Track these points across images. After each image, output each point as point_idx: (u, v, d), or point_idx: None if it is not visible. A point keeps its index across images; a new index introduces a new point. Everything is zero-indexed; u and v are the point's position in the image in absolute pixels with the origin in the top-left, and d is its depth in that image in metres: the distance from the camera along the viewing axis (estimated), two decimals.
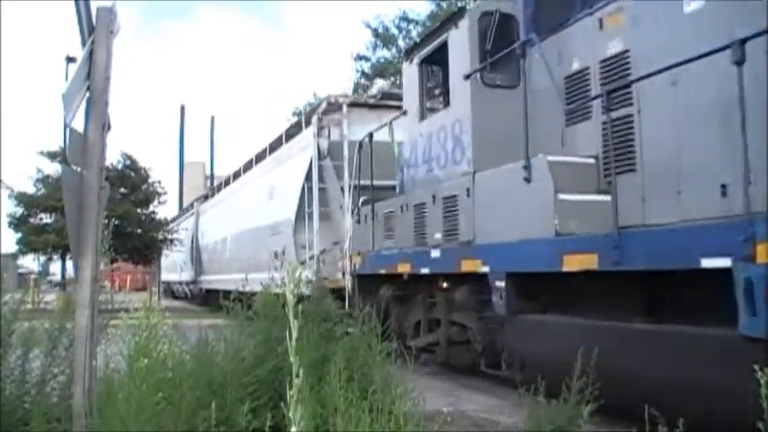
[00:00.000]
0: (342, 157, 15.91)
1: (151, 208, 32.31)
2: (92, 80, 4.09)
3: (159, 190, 32.98)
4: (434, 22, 40.67)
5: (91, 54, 4.11)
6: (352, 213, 13.95)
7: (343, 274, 14.61)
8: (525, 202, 7.82)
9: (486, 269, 8.44)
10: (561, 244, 7.13)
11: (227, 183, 28.94)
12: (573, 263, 6.93)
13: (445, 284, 10.06)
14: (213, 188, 33.56)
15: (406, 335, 11.35)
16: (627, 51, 7.41)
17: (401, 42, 42.83)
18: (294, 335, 2.09)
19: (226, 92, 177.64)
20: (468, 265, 8.85)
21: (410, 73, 11.45)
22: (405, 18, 42.84)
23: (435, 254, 9.74)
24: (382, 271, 11.66)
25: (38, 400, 4.72)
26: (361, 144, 13.19)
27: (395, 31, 43.37)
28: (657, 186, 6.87)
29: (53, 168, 29.56)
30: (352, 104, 16.76)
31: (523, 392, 6.06)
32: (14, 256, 29.83)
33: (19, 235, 29.27)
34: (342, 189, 15.69)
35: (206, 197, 34.53)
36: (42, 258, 33.56)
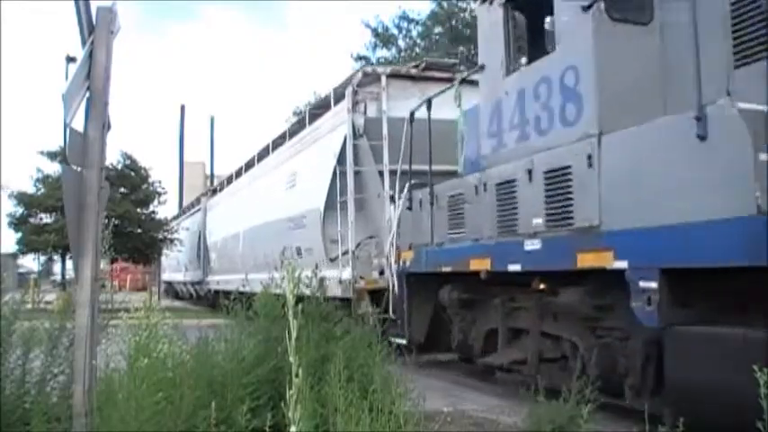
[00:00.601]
0: (380, 136, 13.65)
1: (151, 208, 32.42)
2: (92, 80, 4.09)
3: (159, 190, 33.16)
4: (435, 20, 40.74)
5: (91, 54, 4.11)
6: (394, 200, 12.04)
7: (381, 273, 12.87)
8: (697, 168, 5.70)
9: (622, 264, 6.34)
10: None
11: (238, 174, 26.28)
12: None
13: (542, 285, 7.98)
14: (223, 181, 30.13)
15: (473, 347, 9.68)
16: None
17: (401, 42, 42.81)
18: (294, 335, 2.09)
19: (226, 92, 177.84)
20: (589, 259, 6.79)
21: (490, 16, 8.96)
22: (404, 17, 42.79)
23: (533, 245, 7.65)
24: (446, 269, 9.60)
25: (38, 399, 4.73)
26: (412, 116, 10.97)
27: (394, 31, 43.33)
28: None
29: (53, 168, 29.75)
30: (392, 75, 14.40)
31: (524, 392, 6.05)
32: (14, 256, 29.95)
33: (19, 235, 29.36)
34: (380, 173, 13.52)
35: (214, 191, 31.76)
36: (42, 258, 33.67)
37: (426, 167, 10.42)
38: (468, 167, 9.53)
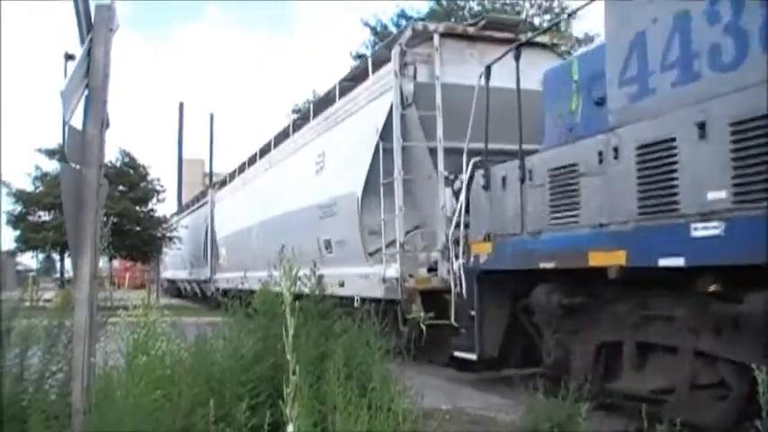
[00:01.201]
0: (432, 105, 11.50)
1: (150, 205, 32.46)
2: (90, 77, 4.10)
3: (158, 187, 33.18)
4: (433, 18, 40.72)
5: (89, 51, 4.12)
6: (451, 183, 10.44)
7: (430, 270, 11.10)
8: None
9: None
10: None
11: (251, 162, 23.42)
12: None
13: (712, 287, 5.61)
14: (234, 171, 27.05)
15: (576, 366, 7.32)
16: None
17: None
18: (291, 332, 2.09)
19: (225, 90, 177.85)
20: None
21: None
22: (403, 15, 42.80)
23: (707, 230, 5.43)
24: (546, 265, 7.29)
25: (36, 397, 4.73)
26: (488, 72, 8.91)
27: (393, 30, 43.37)
28: None
29: (52, 166, 29.80)
30: (446, 34, 12.11)
31: (523, 390, 6.05)
32: (13, 254, 29.99)
33: (17, 232, 29.39)
34: (431, 151, 11.44)
35: (223, 183, 29.17)
36: (41, 256, 33.74)
37: (498, 146, 8.66)
38: (579, 130, 7.38)
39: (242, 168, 25.20)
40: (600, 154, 6.56)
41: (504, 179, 8.19)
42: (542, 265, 7.33)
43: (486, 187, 8.54)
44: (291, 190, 17.36)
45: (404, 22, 42.67)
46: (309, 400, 4.42)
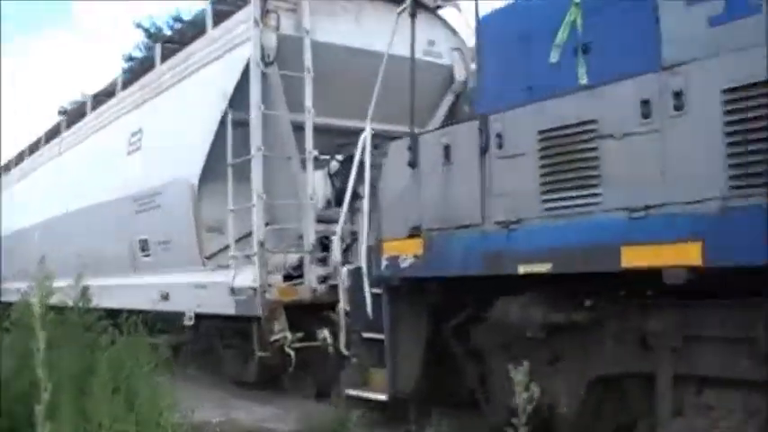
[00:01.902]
0: (300, 66, 9.10)
1: None
2: None
3: None
4: (215, 20, 40.17)
5: None
6: (325, 163, 9.08)
7: (287, 278, 8.89)
8: None
9: None
10: None
11: (33, 149, 19.14)
12: None
13: None
14: (8, 162, 21.74)
15: (555, 406, 5.13)
16: None
17: None
18: (42, 346, 1.99)
19: None
20: None
21: None
22: (178, 19, 42.05)
23: None
24: (535, 268, 4.91)
25: None
26: None
27: (168, 32, 42.52)
28: None
29: None
30: None
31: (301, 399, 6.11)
32: None
33: None
34: (294, 126, 9.12)
35: None
36: None
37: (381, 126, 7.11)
38: (552, 83, 5.12)
39: (20, 158, 20.38)
40: (645, 104, 4.31)
41: (446, 150, 5.76)
42: (525, 269, 5.02)
43: (413, 164, 6.10)
44: (91, 180, 13.87)
45: (178, 26, 41.93)
46: (74, 417, 4.23)
